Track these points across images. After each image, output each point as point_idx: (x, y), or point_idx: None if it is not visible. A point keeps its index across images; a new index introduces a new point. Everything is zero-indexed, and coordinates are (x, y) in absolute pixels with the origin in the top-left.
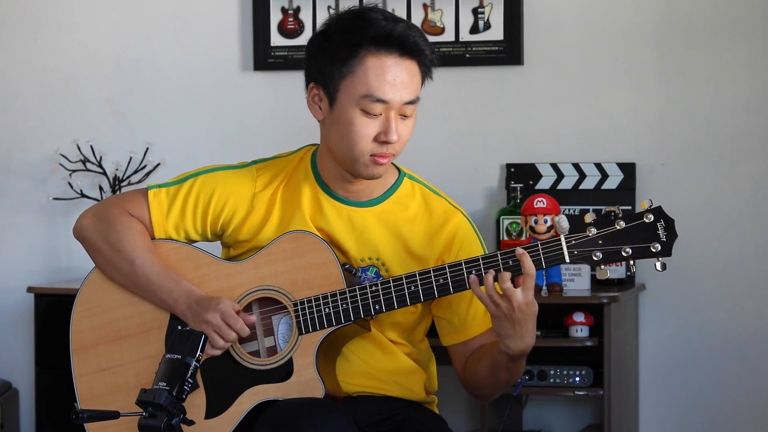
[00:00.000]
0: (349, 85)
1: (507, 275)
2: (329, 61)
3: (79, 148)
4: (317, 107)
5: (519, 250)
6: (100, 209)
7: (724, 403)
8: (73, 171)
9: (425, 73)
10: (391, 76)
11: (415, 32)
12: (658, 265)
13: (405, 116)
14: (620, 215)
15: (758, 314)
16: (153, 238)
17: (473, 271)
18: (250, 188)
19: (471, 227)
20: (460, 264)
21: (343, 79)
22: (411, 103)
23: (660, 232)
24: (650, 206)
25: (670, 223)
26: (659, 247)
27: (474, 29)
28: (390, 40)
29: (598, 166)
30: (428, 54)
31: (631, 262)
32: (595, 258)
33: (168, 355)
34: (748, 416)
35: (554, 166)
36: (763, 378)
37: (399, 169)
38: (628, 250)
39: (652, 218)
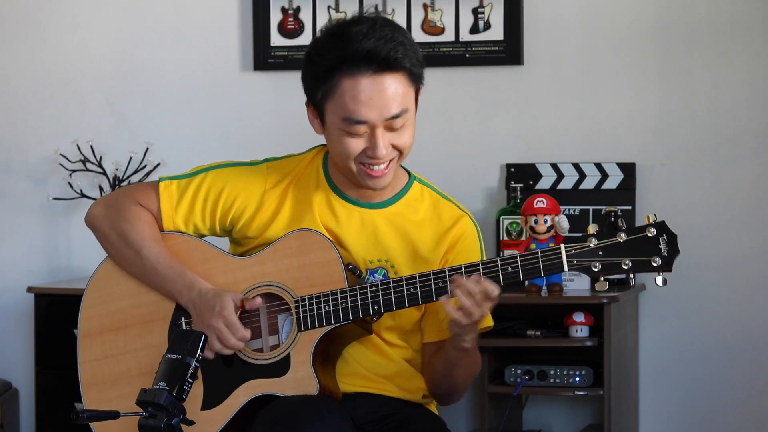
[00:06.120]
0: (331, 108)
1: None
2: (312, 84)
3: (79, 148)
4: (316, 123)
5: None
6: (111, 199)
7: (724, 403)
8: (73, 171)
9: (414, 81)
10: (367, 95)
11: (390, 43)
12: (659, 280)
13: (394, 129)
14: (623, 227)
15: (758, 314)
16: (162, 230)
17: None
18: (260, 185)
19: (475, 231)
20: (460, 268)
21: (325, 101)
22: (396, 117)
23: (662, 246)
24: (655, 220)
25: (672, 239)
26: (660, 262)
27: (474, 29)
28: (358, 59)
29: (598, 166)
30: (408, 64)
31: (631, 275)
32: (594, 269)
33: (168, 355)
34: (748, 416)
35: (554, 166)
36: (763, 378)
37: (409, 173)
38: (627, 262)
39: (655, 232)
